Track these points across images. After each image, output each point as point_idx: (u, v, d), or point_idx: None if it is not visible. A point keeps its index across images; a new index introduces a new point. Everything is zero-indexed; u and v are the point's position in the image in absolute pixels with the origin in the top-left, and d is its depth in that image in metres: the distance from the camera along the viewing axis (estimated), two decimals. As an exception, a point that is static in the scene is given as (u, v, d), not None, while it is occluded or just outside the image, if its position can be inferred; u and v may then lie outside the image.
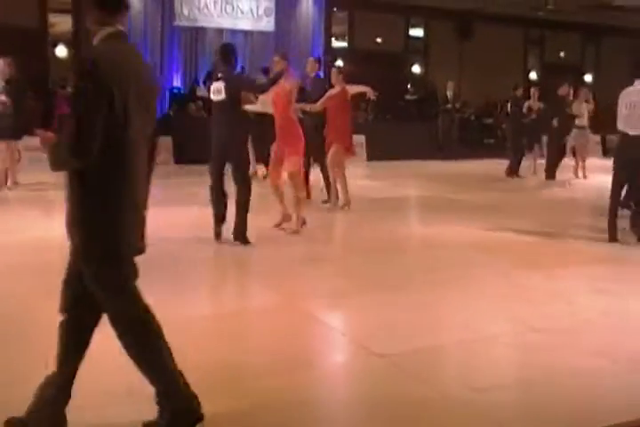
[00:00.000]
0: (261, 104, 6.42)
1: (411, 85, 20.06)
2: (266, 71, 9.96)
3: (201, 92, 15.68)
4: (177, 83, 16.44)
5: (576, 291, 4.87)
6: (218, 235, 6.21)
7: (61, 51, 15.62)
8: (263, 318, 4.21)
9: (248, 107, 6.23)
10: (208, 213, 6.30)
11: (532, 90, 13.14)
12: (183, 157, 13.66)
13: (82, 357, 2.63)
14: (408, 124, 16.77)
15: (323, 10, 18.19)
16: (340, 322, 4.24)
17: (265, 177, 9.32)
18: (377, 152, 15.52)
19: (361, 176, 13.43)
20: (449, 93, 16.63)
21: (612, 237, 6.47)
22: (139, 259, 2.63)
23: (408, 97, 18.94)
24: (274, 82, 6.50)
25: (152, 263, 5.19)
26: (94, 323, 2.62)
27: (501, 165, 13.26)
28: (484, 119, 18.82)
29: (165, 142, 14.27)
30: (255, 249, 6.09)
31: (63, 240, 2.59)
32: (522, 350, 3.74)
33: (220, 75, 6.08)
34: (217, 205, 6.17)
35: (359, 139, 15.66)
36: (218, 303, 4.65)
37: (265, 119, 7.48)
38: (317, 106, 7.98)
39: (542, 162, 12.66)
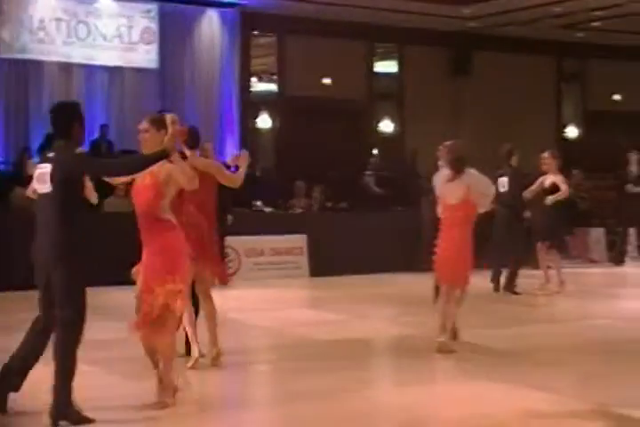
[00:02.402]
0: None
1: (378, 152, 20.32)
2: None
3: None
4: (-6, 153, 16.17)
5: None
6: None
7: None
8: None
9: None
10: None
11: (546, 155, 13.21)
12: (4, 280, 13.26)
13: None
14: (374, 215, 16.69)
15: (236, 33, 18.45)
16: None
17: None
18: (325, 262, 15.44)
19: (300, 302, 13.58)
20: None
21: None
22: None
23: (372, 172, 18.95)
24: (140, 165, 6.64)
25: None
26: None
27: (526, 278, 13.40)
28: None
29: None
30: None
31: None
32: None
33: (49, 154, 6.53)
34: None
35: (297, 240, 15.89)
36: None
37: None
38: None
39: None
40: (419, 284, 13.82)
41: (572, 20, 19.64)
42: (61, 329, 6.31)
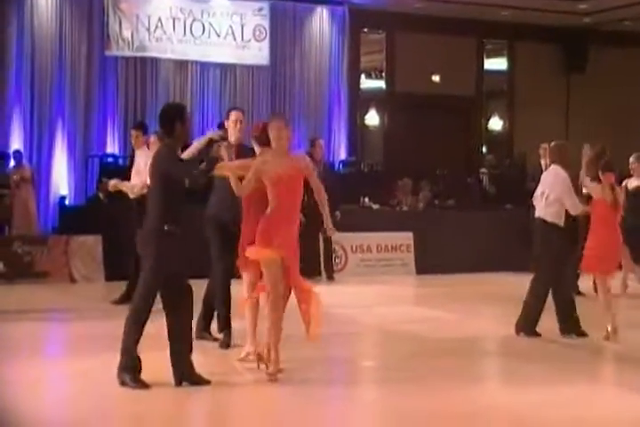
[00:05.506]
0: None
1: (487, 150, 20.33)
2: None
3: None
4: (112, 148, 16.54)
5: None
6: None
7: None
8: None
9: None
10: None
11: (632, 160, 12.61)
12: (118, 271, 13.39)
13: None
14: (482, 213, 16.67)
15: (346, 30, 18.67)
16: None
17: None
18: (433, 260, 15.48)
19: (407, 300, 13.51)
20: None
21: None
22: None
23: (483, 170, 18.94)
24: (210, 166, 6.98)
25: None
26: None
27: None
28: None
29: (91, 244, 14.47)
30: None
31: None
32: None
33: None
34: None
35: (404, 237, 15.92)
36: None
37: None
38: None
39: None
40: (525, 284, 14.41)
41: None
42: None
